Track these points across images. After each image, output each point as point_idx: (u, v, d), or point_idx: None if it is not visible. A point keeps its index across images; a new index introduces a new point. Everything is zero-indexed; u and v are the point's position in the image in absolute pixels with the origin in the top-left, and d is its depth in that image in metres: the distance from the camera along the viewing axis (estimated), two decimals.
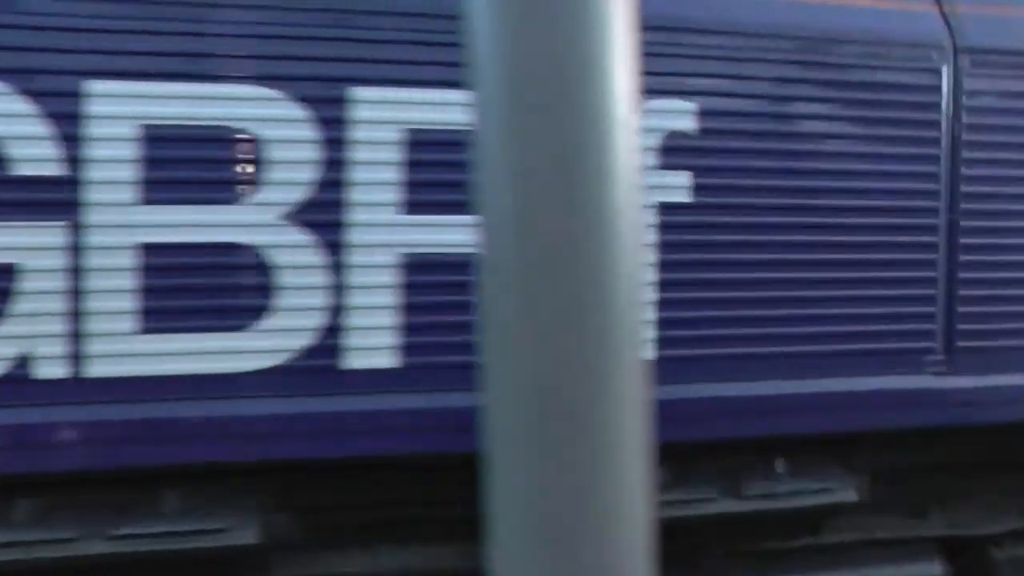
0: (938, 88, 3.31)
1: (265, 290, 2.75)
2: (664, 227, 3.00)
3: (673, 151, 3.01)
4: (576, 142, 1.26)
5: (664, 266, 3.01)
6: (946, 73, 3.33)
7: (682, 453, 3.10)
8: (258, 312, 2.75)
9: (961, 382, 3.34)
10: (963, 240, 3.34)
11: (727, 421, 3.12)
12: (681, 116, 3.02)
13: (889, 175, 3.23)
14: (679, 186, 3.02)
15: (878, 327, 3.24)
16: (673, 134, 3.01)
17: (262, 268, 2.74)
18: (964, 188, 3.34)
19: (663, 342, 3.02)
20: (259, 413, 2.78)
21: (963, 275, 3.34)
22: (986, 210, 3.37)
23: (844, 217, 3.20)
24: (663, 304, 3.02)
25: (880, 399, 3.25)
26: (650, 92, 2.98)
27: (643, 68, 2.97)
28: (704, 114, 3.03)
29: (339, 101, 2.77)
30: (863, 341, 3.24)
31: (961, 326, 3.34)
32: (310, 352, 2.78)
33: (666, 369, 2.98)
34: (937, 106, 3.31)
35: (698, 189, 3.03)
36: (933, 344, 3.31)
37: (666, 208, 3.01)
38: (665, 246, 3.01)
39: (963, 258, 3.34)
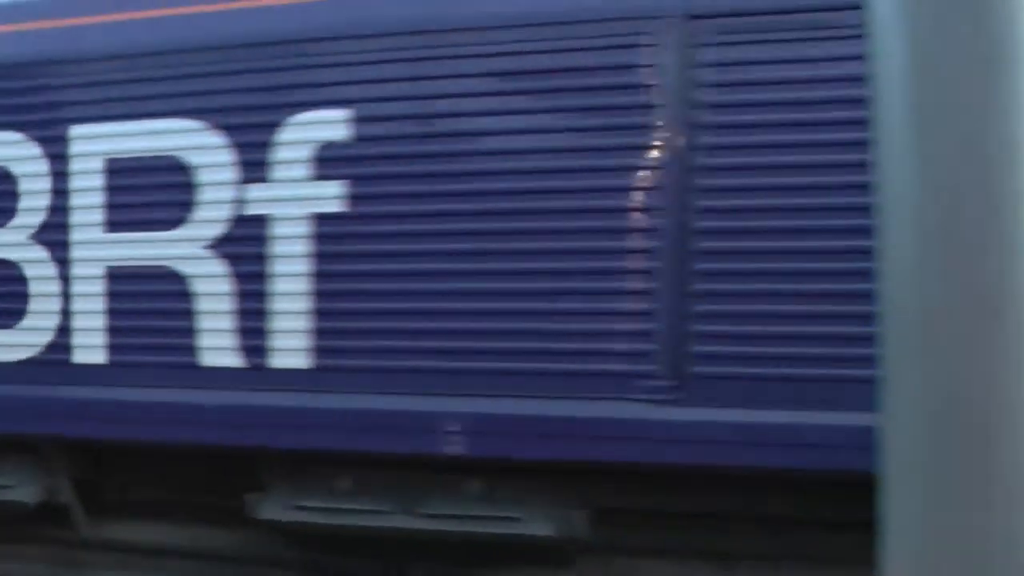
0: (649, 65, 2.82)
1: (22, 297, 3.39)
2: (319, 238, 3.04)
3: (327, 161, 3.03)
4: (991, 138, 1.15)
5: (320, 277, 3.05)
6: (670, 45, 2.81)
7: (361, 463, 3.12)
8: (17, 315, 3.40)
9: (694, 414, 2.82)
10: (700, 244, 2.80)
11: (401, 436, 3.05)
12: (335, 126, 3.03)
13: (592, 170, 2.85)
14: (333, 196, 3.03)
15: (578, 345, 2.89)
16: (327, 144, 3.04)
17: (18, 279, 3.39)
18: (701, 182, 2.80)
19: (322, 352, 3.07)
20: (21, 395, 3.44)
21: (699, 287, 2.81)
22: (731, 207, 2.79)
23: (532, 221, 2.91)
24: (322, 314, 3.07)
25: (583, 428, 2.89)
26: (300, 105, 3.07)
27: (288, 81, 3.08)
28: (359, 121, 3.00)
29: (61, 139, 3.30)
30: (559, 360, 2.91)
31: (696, 348, 2.81)
32: (49, 348, 3.37)
33: (324, 380, 3.06)
34: (646, 87, 2.82)
35: (355, 199, 3.01)
36: (654, 367, 2.84)
37: (321, 219, 3.05)
38: (321, 257, 3.05)
39: (699, 266, 2.80)
